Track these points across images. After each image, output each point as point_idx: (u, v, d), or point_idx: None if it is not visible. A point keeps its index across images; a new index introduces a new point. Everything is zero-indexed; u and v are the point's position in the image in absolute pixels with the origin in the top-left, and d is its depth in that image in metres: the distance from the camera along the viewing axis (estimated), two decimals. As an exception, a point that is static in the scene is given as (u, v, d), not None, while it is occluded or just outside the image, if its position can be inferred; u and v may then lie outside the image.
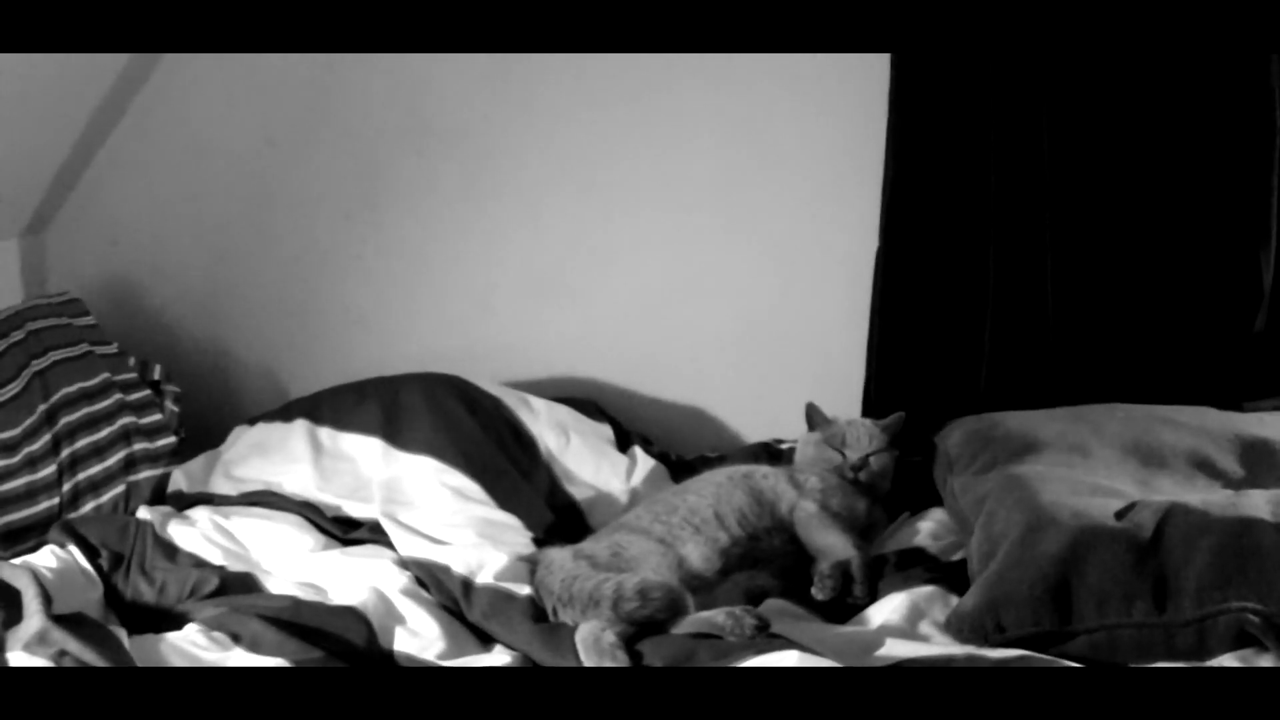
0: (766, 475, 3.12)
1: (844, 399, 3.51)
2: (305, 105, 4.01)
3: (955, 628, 2.49)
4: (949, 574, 2.78)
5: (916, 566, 2.86)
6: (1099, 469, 2.88)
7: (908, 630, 2.57)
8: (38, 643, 2.36)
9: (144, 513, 3.20)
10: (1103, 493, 2.70)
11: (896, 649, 2.42)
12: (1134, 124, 3.35)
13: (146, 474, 3.49)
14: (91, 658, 2.32)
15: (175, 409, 3.72)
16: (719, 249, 3.86)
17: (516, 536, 3.06)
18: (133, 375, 3.69)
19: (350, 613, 2.65)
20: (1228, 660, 2.31)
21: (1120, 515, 2.55)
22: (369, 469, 3.39)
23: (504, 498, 3.24)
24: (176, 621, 2.67)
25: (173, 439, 3.62)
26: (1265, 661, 2.29)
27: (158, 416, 3.63)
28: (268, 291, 4.21)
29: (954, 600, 2.62)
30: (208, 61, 3.96)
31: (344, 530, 3.17)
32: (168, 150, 4.15)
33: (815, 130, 3.70)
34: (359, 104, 3.98)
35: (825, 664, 2.25)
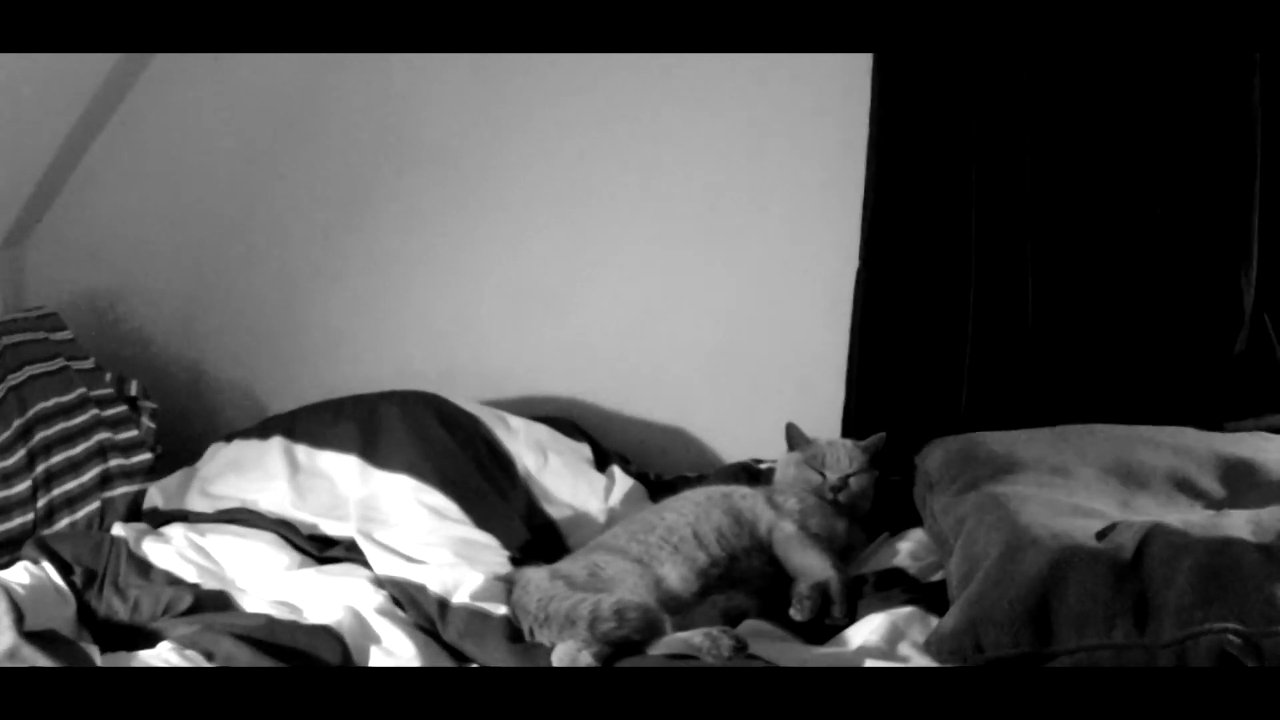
0: (745, 495, 3.12)
1: (824, 419, 3.50)
2: (286, 121, 4.00)
3: (935, 649, 2.47)
4: (928, 595, 2.76)
5: (895, 587, 2.85)
6: (1079, 489, 2.87)
7: (887, 651, 2.55)
8: (8, 659, 2.35)
9: (118, 529, 3.19)
10: (1083, 513, 2.69)
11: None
12: (1116, 145, 3.35)
13: (122, 490, 3.47)
14: (62, 676, 2.30)
15: (152, 425, 3.70)
16: (699, 269, 3.86)
17: (493, 556, 3.05)
18: (109, 391, 3.66)
19: (325, 632, 2.64)
20: None
21: (1101, 536, 2.53)
22: (346, 487, 3.38)
23: (481, 517, 3.22)
24: (150, 639, 2.66)
25: (149, 455, 3.60)
26: (1245, 683, 2.27)
27: (134, 433, 3.61)
28: (247, 308, 4.20)
29: (933, 621, 2.61)
30: (189, 77, 3.95)
31: (320, 548, 3.15)
32: (148, 165, 4.13)
33: (796, 152, 3.70)
34: (340, 121, 3.98)
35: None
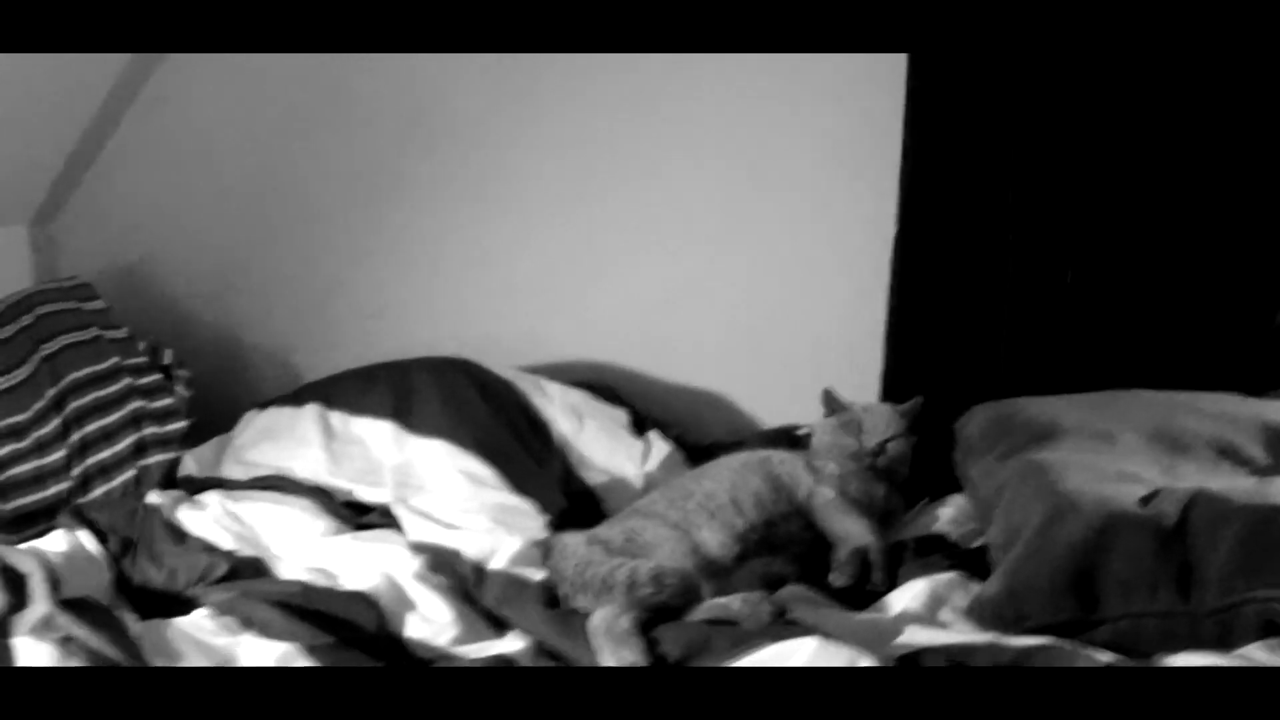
0: (784, 460, 3.09)
1: (861, 384, 3.45)
2: (318, 94, 4.00)
3: (977, 614, 2.47)
4: (969, 561, 2.75)
5: (936, 553, 2.83)
6: (1121, 456, 2.83)
7: (927, 617, 2.53)
8: (43, 627, 2.33)
9: (153, 497, 3.18)
10: (1126, 479, 2.66)
11: (916, 636, 2.39)
12: (1162, 108, 3.29)
13: (157, 458, 3.47)
14: (97, 643, 2.29)
15: (186, 393, 3.69)
16: (736, 234, 3.82)
17: (530, 521, 3.04)
18: (143, 360, 3.66)
19: (361, 598, 2.62)
20: (1253, 650, 2.26)
21: (1144, 502, 2.51)
22: (381, 453, 3.37)
23: (517, 482, 3.21)
24: (186, 606, 2.63)
25: (183, 423, 3.58)
26: (1293, 652, 2.25)
27: (168, 401, 3.60)
28: (280, 280, 4.21)
29: (975, 587, 2.59)
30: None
31: (355, 515, 3.15)
32: (180, 137, 4.14)
33: (831, 115, 3.65)
34: (371, 92, 3.97)
35: (842, 653, 2.21)
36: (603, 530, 2.86)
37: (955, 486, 3.13)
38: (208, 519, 3.07)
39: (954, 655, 2.28)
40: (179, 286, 4.26)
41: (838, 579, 2.74)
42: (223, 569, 2.81)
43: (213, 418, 3.73)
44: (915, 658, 2.29)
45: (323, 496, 3.21)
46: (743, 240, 3.82)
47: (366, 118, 4.01)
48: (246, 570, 2.84)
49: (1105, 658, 2.25)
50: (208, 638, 2.47)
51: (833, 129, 3.65)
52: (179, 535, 3.00)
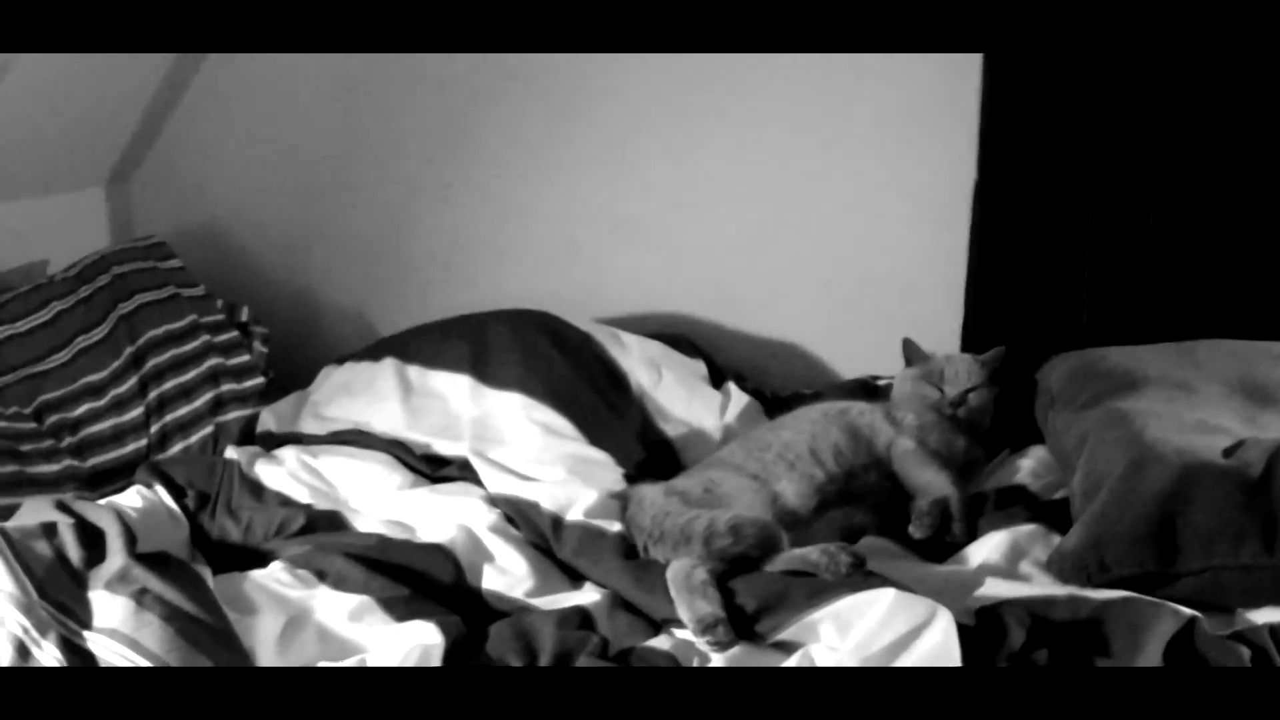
0: (863, 411, 3.08)
1: (941, 335, 3.43)
2: (391, 55, 3.97)
3: (1057, 567, 2.46)
4: (1050, 513, 2.73)
5: (1017, 505, 2.81)
6: (1204, 405, 2.81)
7: (1008, 570, 2.53)
8: (119, 581, 2.35)
9: (231, 452, 3.19)
10: (1209, 430, 2.64)
11: (996, 588, 2.39)
12: (1245, 55, 3.23)
13: (234, 415, 3.49)
14: (173, 595, 2.30)
15: (263, 350, 3.74)
16: (811, 184, 3.79)
17: (607, 473, 3.02)
18: (220, 317, 3.70)
19: (438, 550, 2.63)
20: None
21: (1228, 453, 2.49)
22: (458, 406, 3.36)
23: (594, 434, 3.20)
24: (263, 560, 2.65)
25: (260, 380, 3.62)
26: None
27: (245, 358, 3.64)
28: (353, 234, 4.23)
29: (1055, 539, 2.58)
30: None
31: (433, 468, 3.14)
32: (251, 96, 4.17)
33: (908, 63, 3.60)
34: (445, 54, 3.93)
35: (920, 605, 2.19)
36: (680, 481, 2.86)
37: (1037, 437, 3.10)
38: (284, 473, 3.07)
39: (1033, 608, 2.29)
40: (253, 244, 4.28)
41: (917, 530, 2.71)
42: (299, 522, 2.81)
43: (290, 374, 3.77)
44: (994, 610, 2.28)
45: (401, 450, 3.19)
46: (820, 189, 3.79)
47: (436, 73, 3.99)
48: (323, 523, 2.84)
49: (1187, 612, 2.22)
50: (283, 590, 2.49)
51: (911, 77, 3.60)
52: (256, 490, 3.00)
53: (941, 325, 3.50)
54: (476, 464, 3.04)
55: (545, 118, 3.94)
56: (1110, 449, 2.59)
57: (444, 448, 3.21)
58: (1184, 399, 2.84)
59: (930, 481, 2.85)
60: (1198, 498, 2.37)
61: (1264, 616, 2.28)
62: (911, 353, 3.21)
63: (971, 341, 3.45)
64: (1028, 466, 3.00)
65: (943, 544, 2.71)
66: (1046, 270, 3.44)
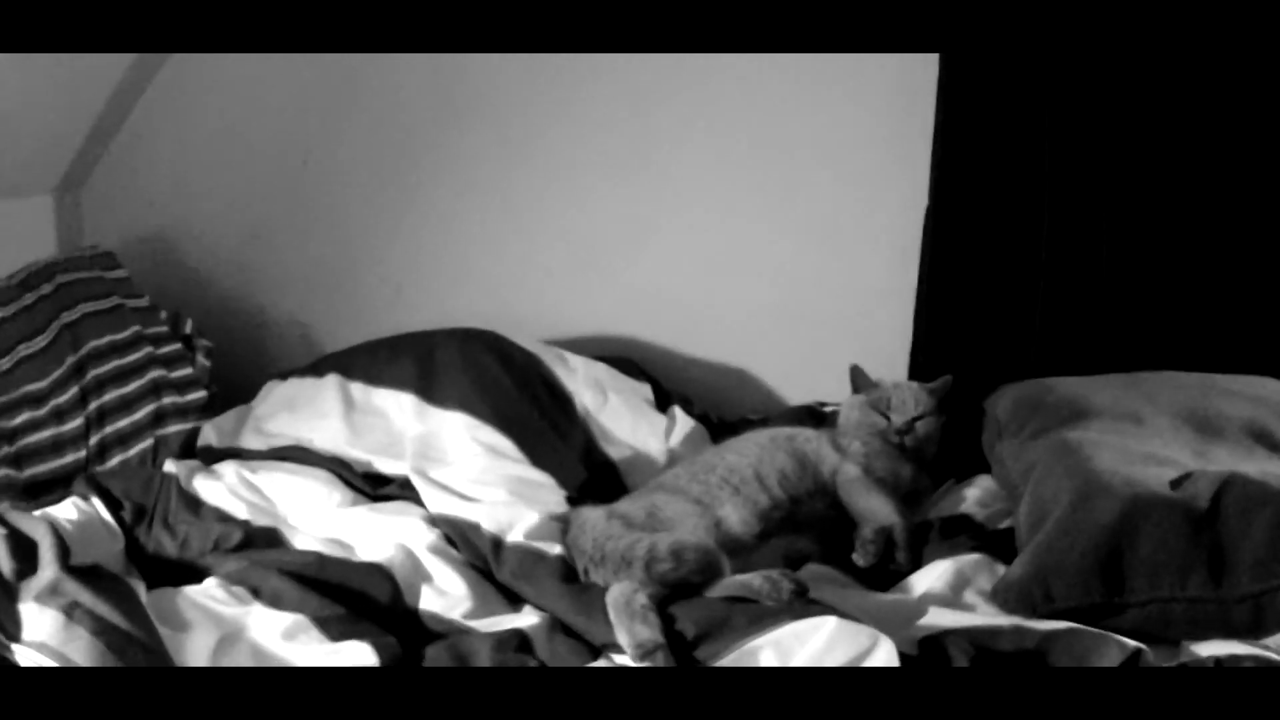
0: (809, 438, 3.07)
1: (889, 362, 3.44)
2: (344, 68, 3.96)
3: (1002, 597, 2.44)
4: (995, 542, 2.72)
5: (962, 534, 2.80)
6: (1153, 437, 2.81)
7: (952, 599, 2.52)
8: (49, 594, 2.32)
9: (170, 466, 3.15)
10: (1157, 462, 2.63)
11: (940, 618, 2.37)
12: (1200, 83, 3.25)
13: (175, 428, 3.45)
14: (104, 610, 2.27)
15: (206, 363, 3.68)
16: (764, 210, 3.79)
17: (549, 495, 2.99)
18: (164, 329, 3.66)
19: (376, 570, 2.60)
20: None
21: (1175, 485, 2.48)
22: (401, 424, 3.34)
23: (538, 455, 3.17)
24: (198, 576, 2.61)
25: (203, 393, 3.58)
26: (1324, 639, 2.22)
27: (188, 370, 3.60)
28: (304, 252, 4.19)
29: (1000, 569, 2.57)
30: None
31: (374, 486, 3.12)
32: (204, 108, 4.13)
33: (863, 92, 3.61)
34: (397, 66, 3.92)
35: (862, 633, 2.17)
36: (623, 505, 2.83)
37: (983, 467, 3.09)
38: (223, 489, 3.03)
39: (977, 638, 2.27)
40: (202, 256, 4.23)
41: (861, 558, 2.70)
42: (236, 538, 2.79)
43: (233, 388, 3.72)
44: (937, 640, 2.27)
45: (341, 467, 3.17)
46: (770, 218, 3.79)
47: (391, 90, 3.98)
48: (261, 540, 2.82)
49: (1131, 643, 2.22)
50: (217, 607, 2.45)
51: (865, 105, 3.61)
52: (194, 504, 2.97)
53: (890, 353, 3.49)
54: (418, 483, 3.01)
55: (498, 140, 3.93)
56: (1057, 479, 2.58)
57: (386, 466, 3.20)
58: (1132, 430, 2.84)
59: (875, 509, 2.83)
60: (1145, 529, 2.36)
61: (1209, 649, 2.27)
62: (859, 380, 3.20)
63: (920, 369, 3.45)
64: (973, 496, 3.00)
65: (887, 572, 2.69)
66: (997, 299, 3.43)
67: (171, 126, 4.14)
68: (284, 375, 3.65)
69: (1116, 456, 2.62)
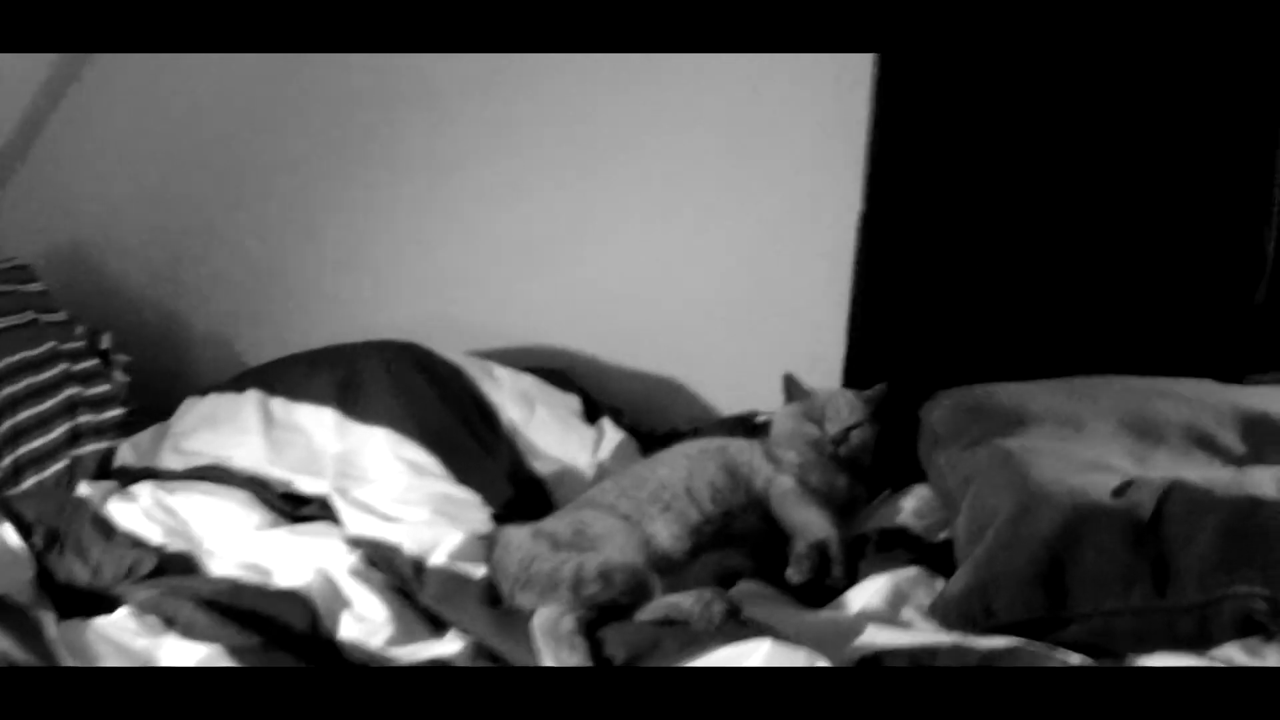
0: (742, 449, 3.01)
1: (823, 370, 3.38)
2: (269, 67, 3.88)
3: (941, 613, 2.40)
4: (933, 555, 2.68)
5: (899, 547, 2.74)
6: (1093, 444, 2.78)
7: (889, 615, 2.46)
8: (-53, 630, 2.25)
9: (84, 488, 3.09)
10: (1098, 469, 2.60)
11: (877, 636, 2.32)
12: (1138, 87, 3.23)
13: (92, 447, 3.37)
14: (5, 645, 2.21)
15: (124, 379, 3.61)
16: (695, 215, 3.75)
17: (475, 513, 2.94)
18: (80, 344, 3.57)
19: (293, 596, 2.52)
20: (1231, 649, 2.22)
21: (1118, 493, 2.44)
22: (322, 441, 3.27)
23: (463, 472, 3.11)
24: (111, 605, 2.53)
25: (120, 411, 3.50)
26: (1271, 650, 2.21)
27: (105, 387, 3.52)
28: (228, 261, 4.11)
29: (939, 584, 2.53)
30: None
31: (294, 507, 3.06)
32: (123, 114, 4.04)
33: (796, 95, 3.58)
34: (324, 62, 3.83)
35: (798, 656, 2.13)
36: (550, 523, 2.77)
37: (919, 476, 3.05)
38: (138, 511, 2.96)
39: (917, 658, 2.23)
40: (121, 268, 4.16)
41: (795, 574, 2.64)
42: (150, 565, 2.71)
43: (154, 405, 3.64)
44: (876, 660, 2.23)
45: (260, 487, 3.11)
46: (702, 224, 3.75)
47: (313, 98, 3.91)
48: (175, 566, 2.75)
49: (1075, 659, 2.20)
50: (128, 639, 2.38)
51: (799, 109, 3.58)
52: (107, 529, 2.90)
53: (823, 361, 3.43)
54: (337, 503, 2.97)
55: (426, 146, 3.87)
56: (997, 490, 2.55)
57: (305, 485, 3.14)
58: (1073, 437, 2.81)
59: (809, 522, 2.77)
60: (1087, 540, 2.33)
61: (1155, 661, 2.24)
62: (792, 388, 3.14)
63: (854, 376, 3.38)
64: (910, 507, 2.94)
65: (822, 588, 2.63)
66: (932, 304, 3.39)
67: (90, 135, 4.06)
68: (204, 391, 3.58)
69: (1057, 465, 2.58)
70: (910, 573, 2.58)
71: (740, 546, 2.78)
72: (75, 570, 2.73)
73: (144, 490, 3.07)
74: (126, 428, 3.48)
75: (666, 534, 2.72)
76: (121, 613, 2.45)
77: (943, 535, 2.78)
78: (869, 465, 3.07)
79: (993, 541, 2.40)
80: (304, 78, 3.88)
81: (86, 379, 3.50)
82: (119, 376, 3.60)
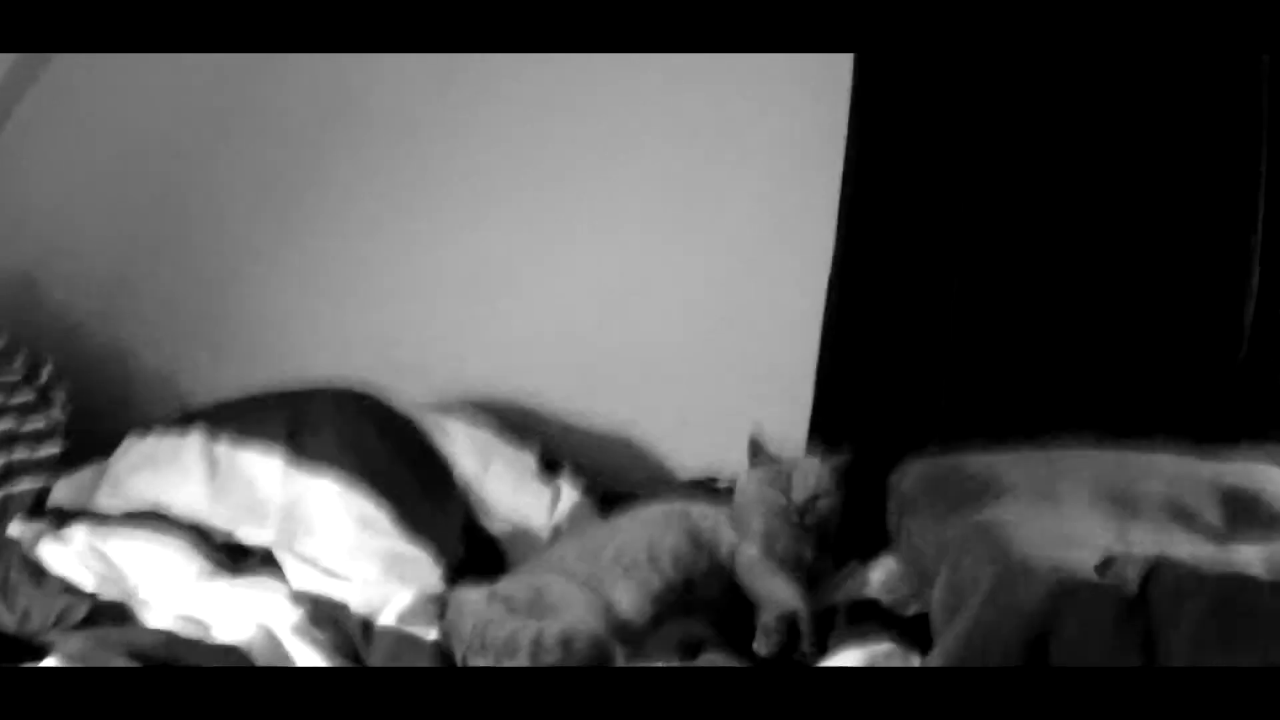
0: (706, 515, 2.93)
1: (791, 427, 3.31)
2: (222, 88, 3.82)
3: None
4: (906, 629, 2.60)
5: (870, 620, 2.66)
6: (1071, 517, 2.68)
7: (862, 694, 2.35)
8: None
9: (16, 528, 3.03)
10: (1077, 544, 2.50)
11: (852, 714, 2.24)
12: (1113, 145, 3.16)
13: (26, 485, 3.27)
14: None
15: (62, 415, 3.49)
16: (659, 260, 3.68)
17: (426, 572, 2.88)
18: (17, 376, 3.47)
19: (232, 653, 2.45)
20: None
21: (1101, 569, 2.37)
22: (267, 489, 3.17)
23: (413, 528, 3.02)
24: (38, 654, 2.45)
25: (57, 448, 3.40)
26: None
27: (42, 423, 3.41)
28: (176, 292, 4.01)
29: (914, 659, 2.47)
30: None
31: (235, 557, 2.99)
32: (71, 136, 3.94)
33: (767, 141, 3.51)
34: (269, 100, 3.81)
35: None
36: (506, 585, 2.70)
37: (882, 544, 2.98)
38: (71, 555, 2.89)
39: None
40: (66, 298, 4.05)
41: (763, 646, 2.59)
42: (81, 613, 2.65)
43: (96, 441, 3.53)
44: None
45: (200, 536, 3.03)
46: (666, 266, 3.69)
47: (264, 126, 3.84)
48: (109, 615, 2.68)
49: None
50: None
51: (771, 152, 3.52)
52: (37, 573, 2.82)
53: (790, 417, 3.35)
54: (281, 556, 2.90)
55: (378, 177, 3.81)
56: (975, 562, 2.46)
57: (248, 535, 3.06)
58: (1050, 510, 2.71)
59: (777, 593, 2.71)
60: (1071, 615, 2.24)
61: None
62: (757, 452, 3.05)
63: (821, 432, 3.33)
64: (878, 579, 2.87)
65: (790, 662, 2.58)
66: (902, 365, 3.32)
67: (34, 156, 3.95)
68: (146, 429, 3.47)
69: (1037, 537, 2.50)
70: (883, 648, 2.51)
71: (703, 615, 2.71)
72: (1, 616, 2.67)
73: (79, 533, 3.00)
74: (65, 465, 3.38)
75: (628, 601, 2.64)
76: (49, 662, 2.37)
77: (913, 609, 2.71)
78: (834, 534, 2.99)
79: (973, 616, 2.32)
80: (252, 107, 3.84)
81: (23, 412, 3.40)
82: (57, 412, 3.48)
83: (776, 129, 3.50)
